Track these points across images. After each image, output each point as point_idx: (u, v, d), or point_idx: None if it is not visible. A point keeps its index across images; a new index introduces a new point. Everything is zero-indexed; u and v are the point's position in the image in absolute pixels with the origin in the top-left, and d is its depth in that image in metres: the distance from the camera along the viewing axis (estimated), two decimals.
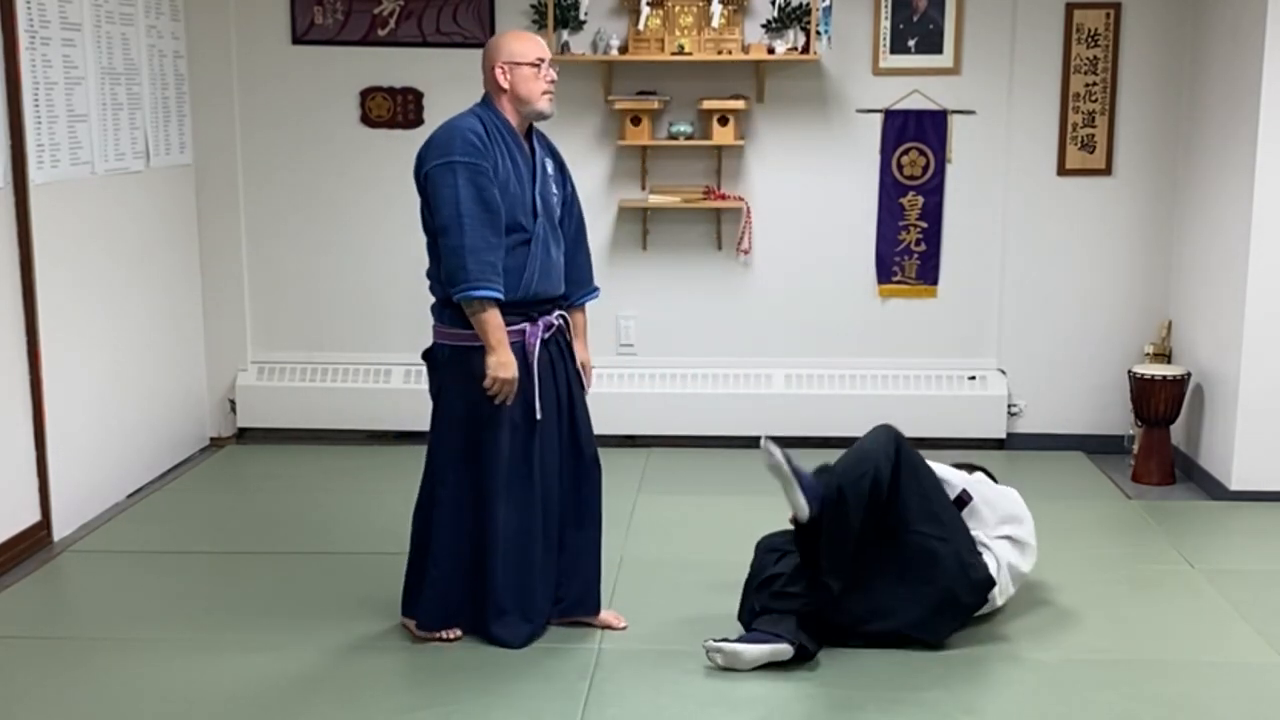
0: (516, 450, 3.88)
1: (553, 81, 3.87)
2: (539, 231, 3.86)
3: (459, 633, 4.01)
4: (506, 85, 3.83)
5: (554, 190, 3.95)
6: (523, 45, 3.86)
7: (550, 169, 3.97)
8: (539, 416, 3.89)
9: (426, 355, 3.98)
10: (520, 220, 3.82)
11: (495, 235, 3.74)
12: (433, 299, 3.95)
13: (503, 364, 3.76)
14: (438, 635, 4.01)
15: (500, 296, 3.73)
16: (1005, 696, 3.70)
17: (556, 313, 3.99)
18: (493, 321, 3.74)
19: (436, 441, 3.96)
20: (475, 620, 3.98)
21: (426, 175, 3.77)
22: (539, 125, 4.02)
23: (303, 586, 4.49)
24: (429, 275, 3.93)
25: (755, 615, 3.99)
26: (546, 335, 3.92)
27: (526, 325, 3.87)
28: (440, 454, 3.94)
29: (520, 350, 3.86)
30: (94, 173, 5.19)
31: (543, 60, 3.85)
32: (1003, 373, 6.18)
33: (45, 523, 4.89)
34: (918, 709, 3.61)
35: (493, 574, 3.91)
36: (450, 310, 3.86)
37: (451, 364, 3.88)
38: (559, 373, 3.98)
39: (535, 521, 3.93)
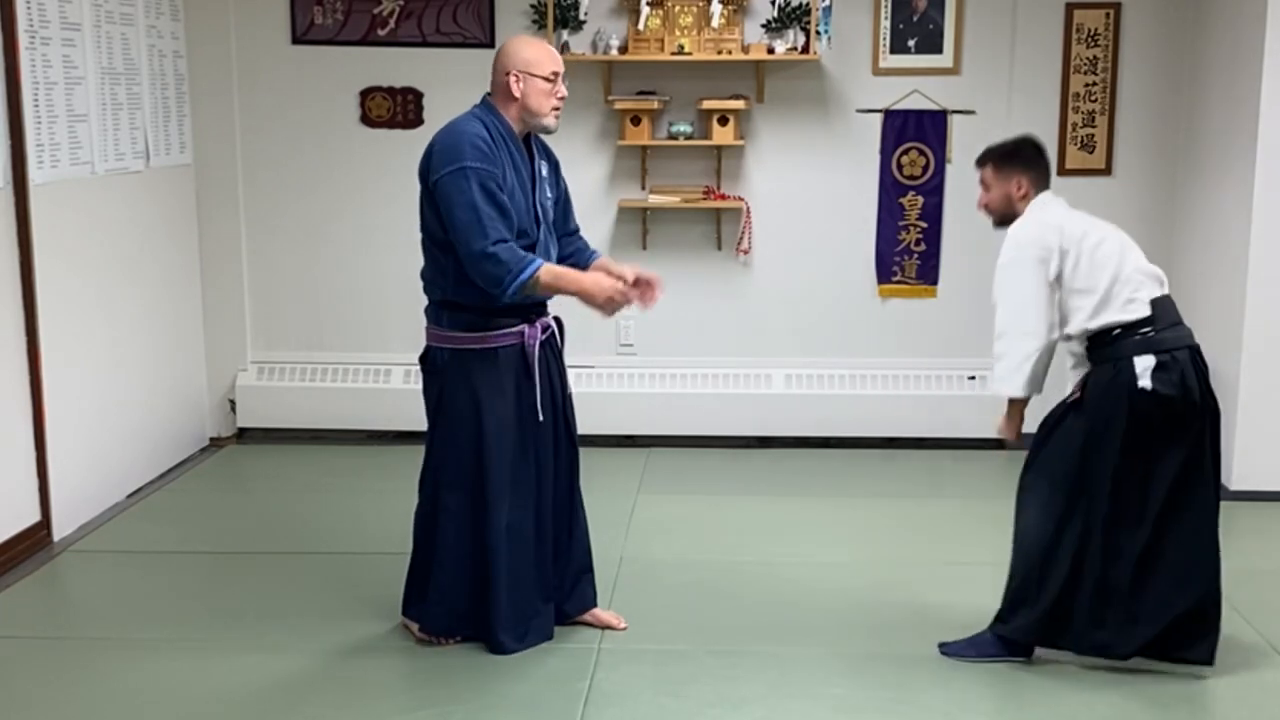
0: (517, 452, 3.88)
1: (562, 98, 3.85)
2: (540, 237, 3.87)
3: (460, 639, 4.01)
4: (518, 94, 3.79)
5: (549, 194, 3.95)
6: (539, 55, 3.81)
7: (545, 171, 3.96)
8: (540, 418, 3.89)
9: (423, 359, 3.98)
10: (525, 227, 3.81)
11: (510, 233, 3.74)
12: (427, 300, 3.94)
13: (597, 287, 3.75)
14: (441, 640, 4.01)
15: (538, 261, 3.72)
16: (1005, 697, 3.70)
17: (552, 314, 4.00)
18: (556, 277, 3.74)
19: (439, 447, 3.94)
20: (478, 626, 3.98)
21: (438, 182, 3.73)
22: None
23: (303, 586, 4.49)
24: (423, 276, 3.93)
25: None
26: (544, 336, 3.93)
27: (525, 327, 3.87)
28: (444, 459, 3.93)
29: (520, 352, 3.87)
30: (94, 173, 5.19)
31: (557, 75, 3.82)
32: None
33: (45, 523, 4.89)
34: (918, 709, 3.62)
35: (496, 579, 3.90)
36: (448, 312, 3.86)
37: (453, 368, 3.87)
38: (554, 373, 3.99)
39: (532, 524, 3.93)
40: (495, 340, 3.84)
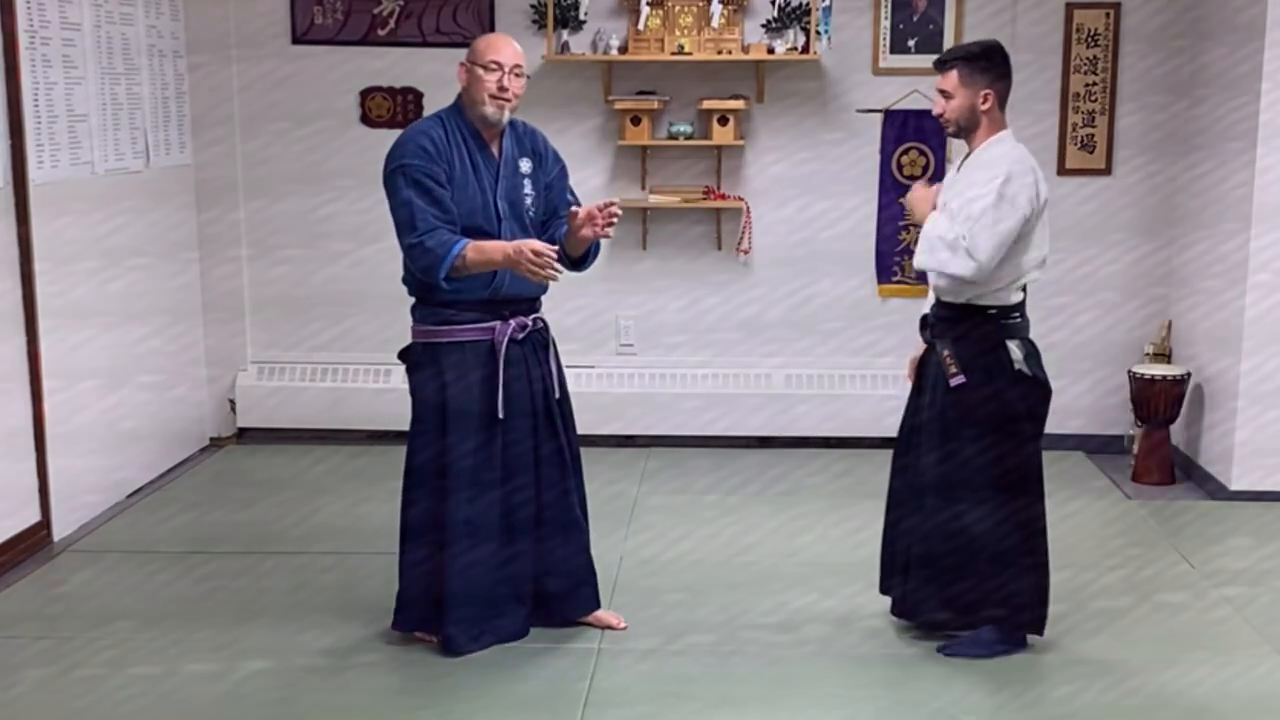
0: (480, 448, 3.85)
1: (503, 89, 3.76)
2: (505, 233, 3.82)
3: (435, 638, 3.97)
4: (462, 84, 3.83)
5: (527, 190, 3.91)
6: (484, 44, 3.83)
7: (526, 168, 3.92)
8: (500, 415, 3.85)
9: (402, 355, 3.99)
10: (480, 224, 3.80)
11: (446, 223, 3.72)
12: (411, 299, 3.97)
13: (516, 250, 3.65)
14: (415, 636, 3.99)
15: (463, 240, 3.69)
16: (1005, 696, 3.70)
17: (533, 315, 3.96)
18: (479, 250, 3.68)
19: (411, 440, 3.95)
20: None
21: (384, 182, 3.81)
22: (529, 123, 4.01)
23: (302, 587, 4.49)
24: (404, 281, 3.95)
25: None
26: (520, 335, 3.90)
27: (496, 323, 3.86)
28: (414, 453, 3.93)
29: (489, 348, 3.86)
30: (94, 173, 5.19)
31: (499, 64, 3.76)
32: None
33: (45, 523, 4.89)
34: (918, 709, 3.62)
35: (450, 574, 3.85)
36: (421, 308, 3.89)
37: (423, 361, 3.88)
38: (533, 372, 3.94)
39: (497, 521, 3.89)
40: (462, 334, 3.85)
